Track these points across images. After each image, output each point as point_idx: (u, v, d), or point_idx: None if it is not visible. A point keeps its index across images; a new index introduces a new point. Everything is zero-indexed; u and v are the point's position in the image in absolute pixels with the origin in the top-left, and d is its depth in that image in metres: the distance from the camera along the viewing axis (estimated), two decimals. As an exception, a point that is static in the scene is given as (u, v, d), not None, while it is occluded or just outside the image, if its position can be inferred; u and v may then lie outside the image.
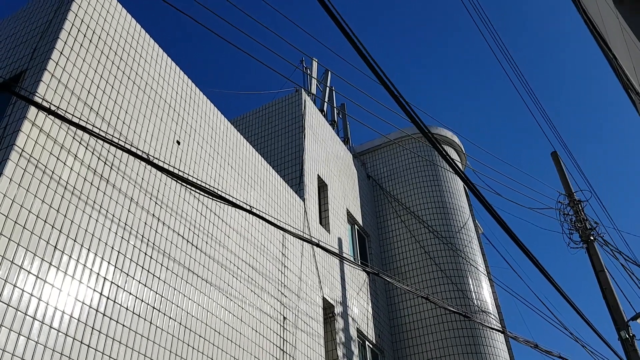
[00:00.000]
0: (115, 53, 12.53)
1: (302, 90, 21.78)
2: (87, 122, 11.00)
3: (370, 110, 39.25)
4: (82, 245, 10.27)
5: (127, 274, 10.93)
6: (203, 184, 13.30)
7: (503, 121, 75.26)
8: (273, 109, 21.59)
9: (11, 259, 9.18)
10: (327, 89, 27.94)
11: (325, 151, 21.43)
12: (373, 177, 25.50)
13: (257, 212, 15.19)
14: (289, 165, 19.50)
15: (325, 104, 26.79)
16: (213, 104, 15.18)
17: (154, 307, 11.26)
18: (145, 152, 12.07)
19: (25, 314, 9.16)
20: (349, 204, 21.95)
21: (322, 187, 20.43)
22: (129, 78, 12.65)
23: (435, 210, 23.73)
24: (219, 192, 13.84)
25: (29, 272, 9.37)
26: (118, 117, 11.94)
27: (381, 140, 26.59)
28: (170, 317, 11.52)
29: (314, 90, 26.89)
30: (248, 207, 14.60)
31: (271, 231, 15.64)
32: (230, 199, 14.09)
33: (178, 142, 13.38)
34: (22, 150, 9.89)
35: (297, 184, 18.80)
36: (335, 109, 27.72)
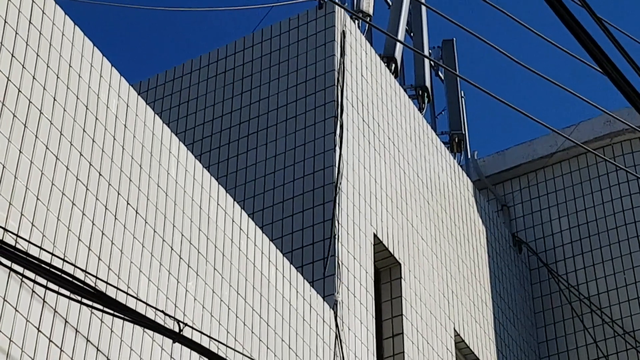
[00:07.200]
0: None
1: (337, 4, 9.66)
2: None
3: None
4: None
5: None
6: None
7: None
8: (260, 52, 9.92)
9: None
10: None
11: (393, 169, 9.64)
12: (528, 243, 11.90)
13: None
14: (295, 205, 8.64)
15: (396, 47, 11.38)
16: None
17: None
18: None
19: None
20: (459, 311, 9.90)
21: (385, 269, 9.13)
22: None
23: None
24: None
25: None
26: None
27: (548, 146, 12.15)
28: None
29: (367, 4, 11.11)
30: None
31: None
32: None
33: None
34: None
35: (320, 268, 8.03)
36: (429, 58, 12.93)
